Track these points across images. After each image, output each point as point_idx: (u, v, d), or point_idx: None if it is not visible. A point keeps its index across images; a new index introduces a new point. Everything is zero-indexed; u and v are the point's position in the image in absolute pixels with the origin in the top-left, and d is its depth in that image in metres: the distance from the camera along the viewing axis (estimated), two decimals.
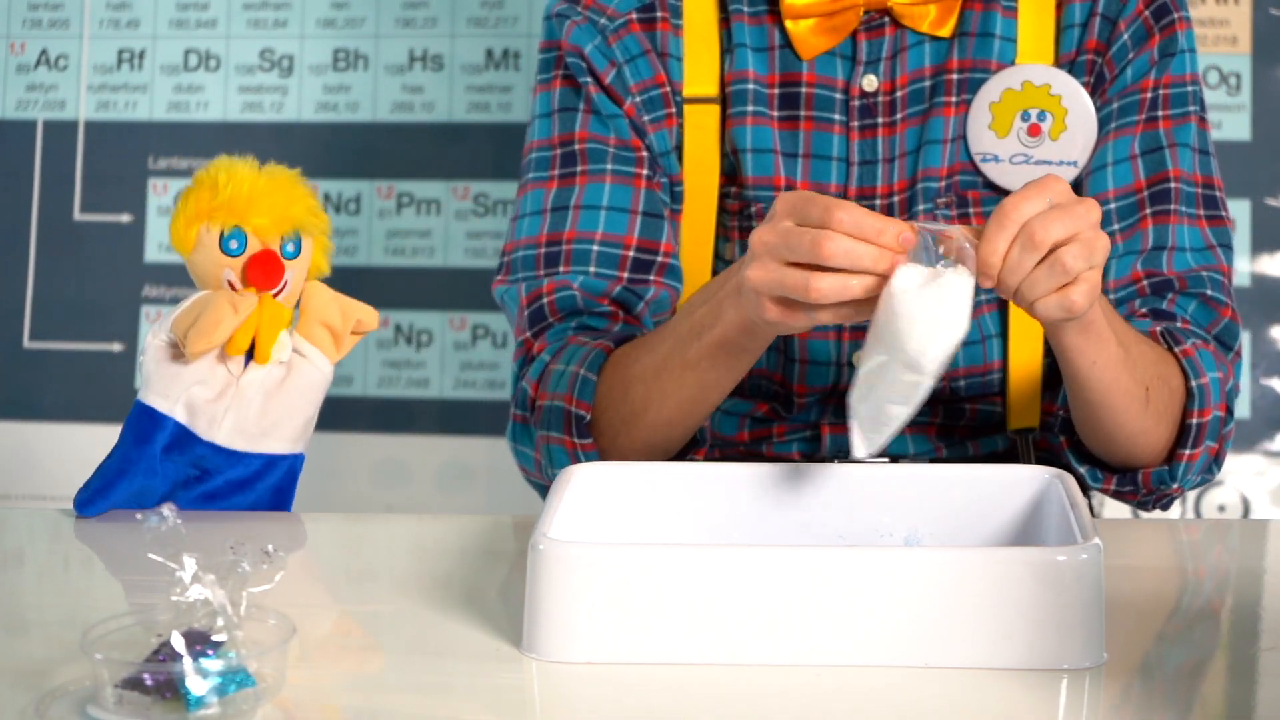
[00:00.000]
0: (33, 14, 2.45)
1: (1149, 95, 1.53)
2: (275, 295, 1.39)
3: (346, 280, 2.36)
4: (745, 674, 1.04)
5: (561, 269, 1.53)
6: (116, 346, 2.39)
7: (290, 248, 1.39)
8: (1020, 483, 1.24)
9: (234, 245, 1.38)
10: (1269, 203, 2.27)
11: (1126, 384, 1.35)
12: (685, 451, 1.48)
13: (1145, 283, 1.50)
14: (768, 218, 1.20)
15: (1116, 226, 1.52)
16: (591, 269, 1.52)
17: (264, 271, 1.38)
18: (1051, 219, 1.16)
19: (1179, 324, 1.48)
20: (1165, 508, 1.51)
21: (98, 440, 1.48)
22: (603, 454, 1.47)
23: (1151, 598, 1.22)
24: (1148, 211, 1.52)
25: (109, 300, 2.40)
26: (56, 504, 1.43)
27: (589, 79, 1.56)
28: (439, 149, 2.40)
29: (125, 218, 2.42)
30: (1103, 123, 1.54)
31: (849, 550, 1.07)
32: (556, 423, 1.47)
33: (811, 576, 1.04)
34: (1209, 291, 1.51)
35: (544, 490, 1.50)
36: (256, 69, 2.42)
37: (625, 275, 1.53)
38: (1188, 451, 1.44)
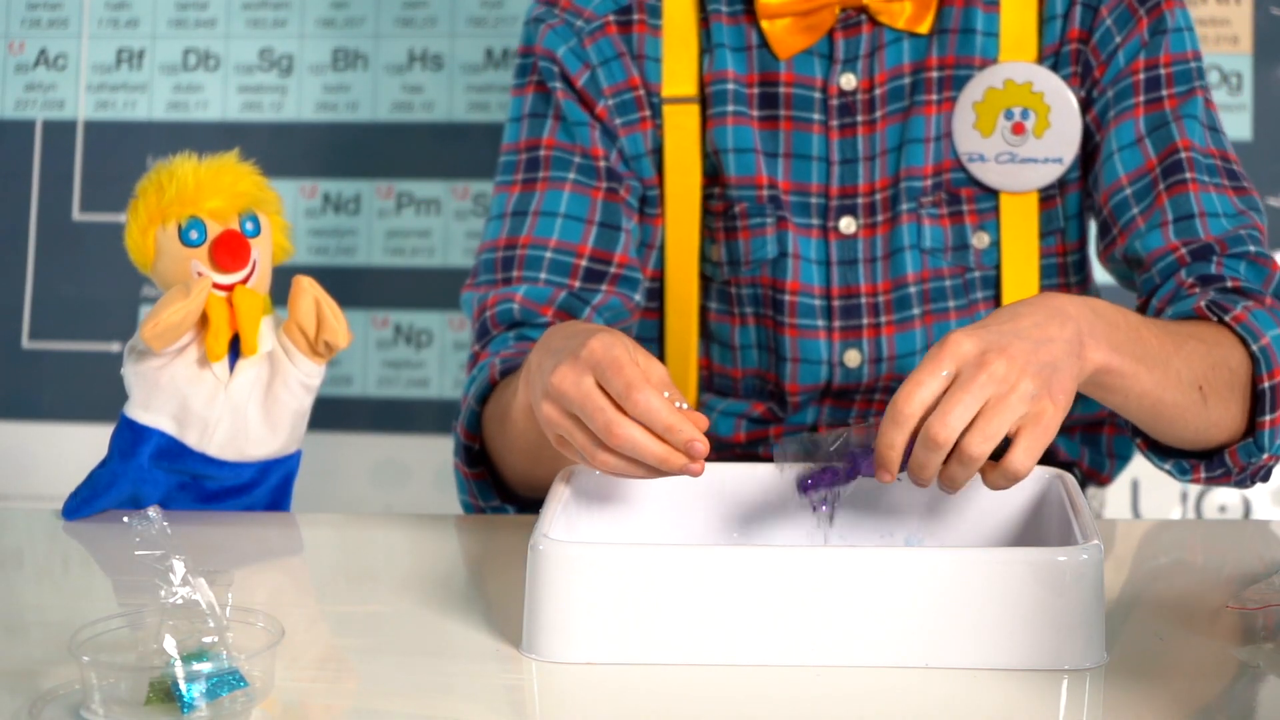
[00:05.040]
0: (31, 13, 2.45)
1: (1142, 76, 1.51)
2: (245, 280, 1.37)
3: (347, 280, 2.38)
4: (745, 674, 1.04)
5: (515, 274, 1.53)
6: (115, 346, 2.39)
7: (250, 226, 1.38)
8: (1020, 483, 1.24)
9: (194, 235, 1.36)
10: (1270, 202, 2.27)
11: (1174, 397, 1.29)
12: None
13: (1184, 251, 1.46)
14: (576, 356, 1.15)
15: (1136, 210, 1.49)
16: (542, 276, 1.52)
17: (230, 251, 1.36)
18: (949, 410, 1.09)
19: (1229, 284, 1.43)
20: (1265, 479, 1.43)
21: (96, 440, 1.48)
22: (505, 478, 1.48)
23: (1151, 598, 1.22)
24: (1162, 186, 1.48)
25: (108, 300, 2.40)
26: (55, 504, 1.43)
27: (560, 84, 1.56)
28: (438, 149, 2.40)
29: (124, 218, 2.41)
30: (1102, 113, 1.52)
31: (849, 550, 1.07)
32: (458, 450, 1.48)
33: (811, 576, 1.04)
34: (1253, 249, 1.46)
35: (468, 509, 1.51)
36: (256, 69, 2.42)
37: (575, 283, 1.53)
38: (1268, 418, 1.37)
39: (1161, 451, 1.42)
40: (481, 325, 1.54)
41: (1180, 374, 1.29)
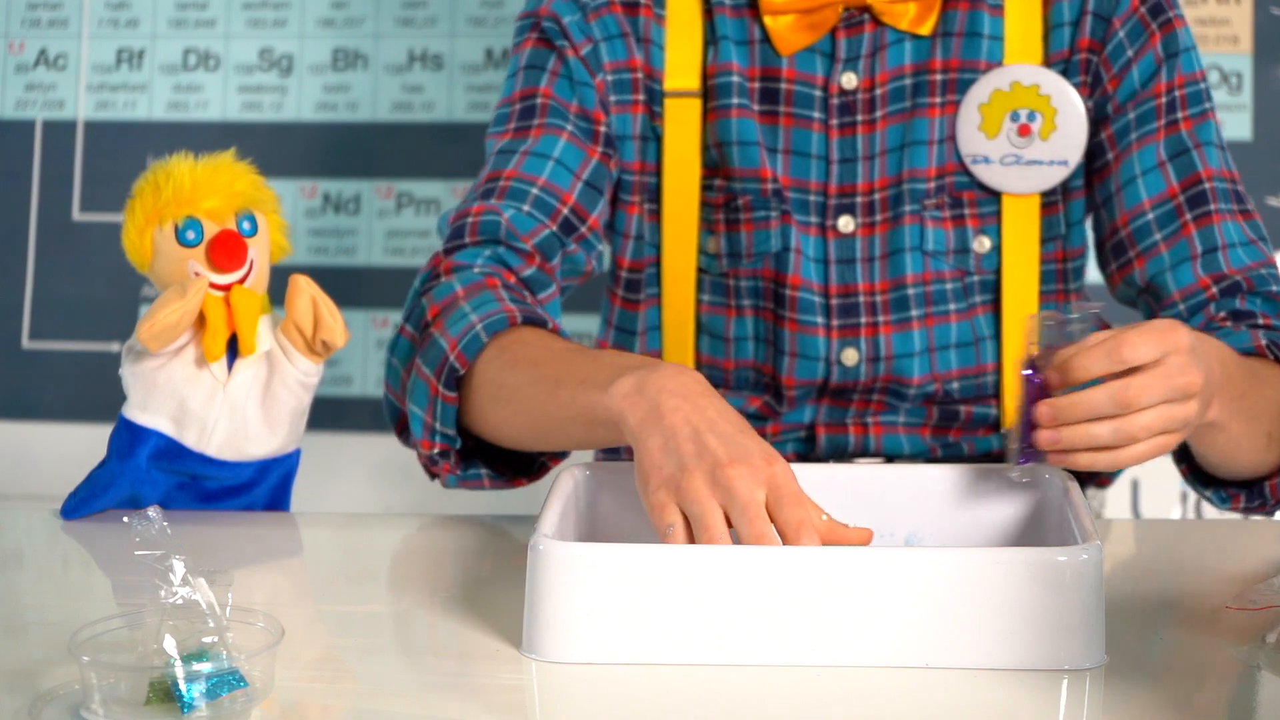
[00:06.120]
0: (31, 13, 2.45)
1: (1164, 99, 1.53)
2: (243, 280, 1.37)
3: (346, 280, 2.37)
4: (745, 674, 1.04)
5: (495, 200, 1.51)
6: (115, 346, 2.39)
7: (247, 226, 1.38)
8: (1021, 483, 1.24)
9: (191, 235, 1.36)
10: (1269, 202, 2.27)
11: (1249, 444, 1.36)
12: (538, 458, 1.47)
13: (1215, 288, 1.49)
14: (757, 467, 1.13)
15: (1159, 236, 1.51)
16: (525, 207, 1.51)
17: (227, 251, 1.36)
18: (1142, 386, 1.18)
19: (1260, 320, 1.47)
20: None
21: (96, 440, 1.48)
22: (464, 413, 1.42)
23: (1151, 598, 1.22)
24: (1188, 217, 1.51)
25: (108, 300, 2.40)
26: (55, 504, 1.43)
27: (564, 42, 1.56)
28: (438, 149, 2.40)
29: (124, 218, 2.42)
30: (1121, 133, 1.53)
31: (849, 550, 1.07)
32: (433, 361, 1.41)
33: (811, 576, 1.04)
34: (1274, 287, 1.50)
35: (394, 410, 1.46)
36: (256, 69, 2.42)
37: (554, 226, 1.52)
38: None
39: (1204, 479, 1.47)
40: (455, 230, 1.50)
41: (1260, 420, 1.37)
